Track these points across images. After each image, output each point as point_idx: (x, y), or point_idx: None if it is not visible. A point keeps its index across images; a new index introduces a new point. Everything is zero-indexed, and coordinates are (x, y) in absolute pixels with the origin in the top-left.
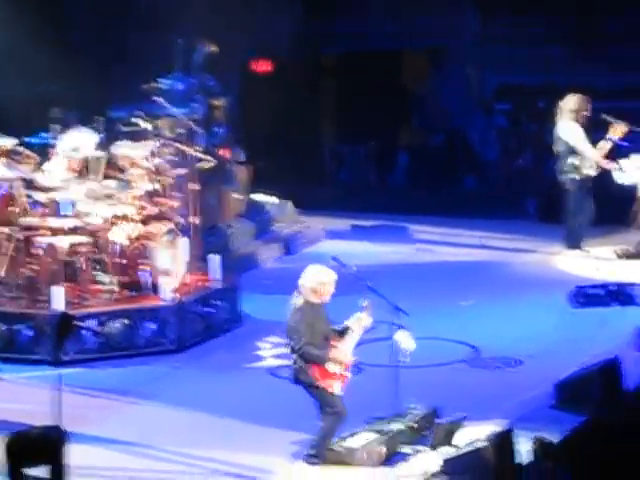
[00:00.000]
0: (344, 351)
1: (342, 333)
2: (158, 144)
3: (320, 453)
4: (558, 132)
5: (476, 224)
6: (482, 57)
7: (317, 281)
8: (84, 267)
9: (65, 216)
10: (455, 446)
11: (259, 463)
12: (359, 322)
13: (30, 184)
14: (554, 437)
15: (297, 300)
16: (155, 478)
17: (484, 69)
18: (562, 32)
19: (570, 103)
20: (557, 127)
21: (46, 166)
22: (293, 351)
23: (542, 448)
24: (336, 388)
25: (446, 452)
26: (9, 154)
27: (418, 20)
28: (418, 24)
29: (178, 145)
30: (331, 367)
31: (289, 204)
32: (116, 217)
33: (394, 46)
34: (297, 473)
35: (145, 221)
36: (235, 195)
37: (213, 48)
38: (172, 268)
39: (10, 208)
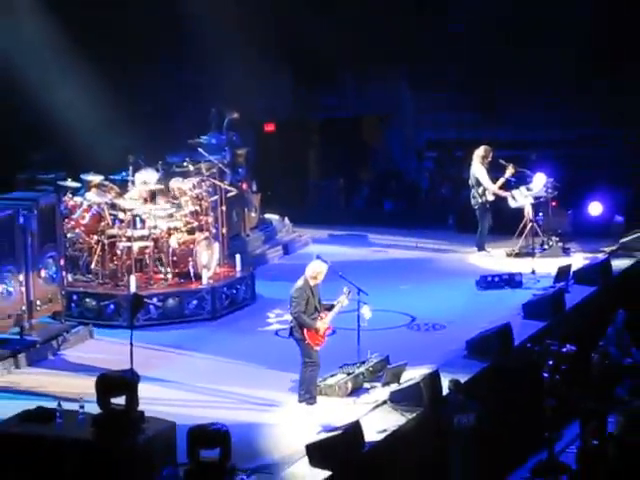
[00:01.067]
0: (326, 321)
1: (328, 308)
2: (199, 179)
3: (312, 394)
4: (471, 171)
5: (413, 233)
6: (416, 121)
7: (315, 270)
8: (149, 262)
9: (137, 228)
10: (399, 383)
11: (268, 396)
12: (340, 302)
13: (113, 206)
14: (466, 377)
15: (299, 281)
16: (196, 406)
17: (417, 129)
18: (470, 102)
19: (479, 151)
20: (471, 168)
21: (124, 194)
22: (291, 314)
23: (455, 385)
24: (316, 346)
25: (392, 387)
26: (99, 186)
27: (373, 96)
28: (373, 99)
29: (213, 180)
30: (315, 331)
31: (286, 220)
32: (171, 228)
33: (357, 113)
34: (295, 404)
35: (190, 231)
36: (251, 214)
37: (236, 115)
38: (208, 263)
39: (100, 223)
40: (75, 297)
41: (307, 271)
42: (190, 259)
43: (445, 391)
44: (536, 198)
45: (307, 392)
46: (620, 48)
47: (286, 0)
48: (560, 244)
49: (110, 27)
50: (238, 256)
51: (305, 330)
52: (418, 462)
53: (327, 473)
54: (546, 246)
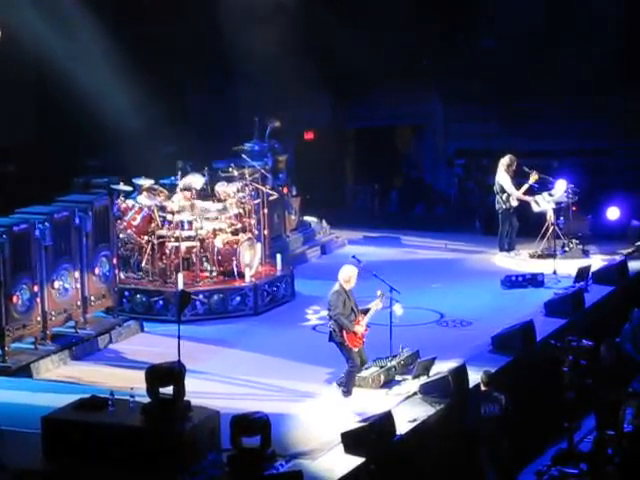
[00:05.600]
0: (363, 324)
1: (364, 312)
2: (243, 184)
3: (348, 388)
4: (496, 178)
5: (442, 235)
6: (445, 131)
7: (347, 275)
8: (195, 261)
9: (184, 229)
10: (429, 376)
11: (306, 388)
12: (375, 306)
13: (163, 209)
14: (491, 370)
15: (335, 286)
16: (238, 396)
17: (447, 139)
18: (497, 114)
19: (505, 160)
20: (496, 175)
21: (173, 197)
22: (330, 318)
23: (487, 376)
24: (355, 347)
25: (422, 379)
26: (149, 189)
27: (405, 108)
28: (405, 110)
29: (255, 185)
30: (354, 333)
31: (324, 222)
32: (216, 230)
33: (390, 124)
34: (332, 395)
35: (234, 232)
36: (291, 217)
37: (278, 123)
38: (251, 262)
39: (150, 224)
40: (127, 293)
41: (340, 276)
42: (234, 258)
43: (472, 383)
44: (557, 203)
45: (344, 386)
46: (636, 64)
47: (326, 23)
48: (580, 246)
49: (159, 42)
50: (279, 256)
51: (345, 332)
52: (446, 450)
53: (361, 460)
54: (567, 248)
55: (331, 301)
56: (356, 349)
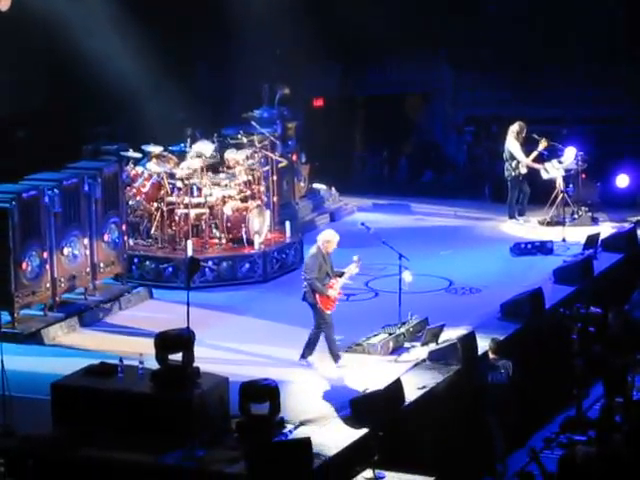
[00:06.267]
0: (337, 288)
1: (340, 275)
2: (252, 151)
3: (335, 352)
4: (505, 145)
5: (452, 203)
6: (455, 98)
7: (327, 238)
8: (205, 228)
9: (193, 196)
10: (438, 343)
11: (314, 354)
12: (349, 270)
13: (172, 176)
14: (500, 338)
15: (313, 248)
16: (247, 363)
17: (457, 105)
18: (506, 81)
19: (514, 127)
20: (506, 142)
21: (182, 164)
22: (305, 280)
23: (495, 343)
24: (328, 310)
25: (431, 347)
26: (159, 156)
27: (415, 75)
28: (415, 77)
29: (264, 152)
30: (327, 296)
31: (333, 189)
32: (225, 197)
33: (400, 91)
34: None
35: (243, 199)
36: (300, 184)
37: (287, 91)
38: (260, 229)
39: (159, 191)
40: (136, 260)
41: (320, 237)
42: (243, 225)
43: (481, 350)
44: (567, 170)
45: (305, 347)
46: None
47: None
48: (589, 214)
49: (173, 6)
50: (288, 223)
51: (317, 295)
52: (454, 417)
53: (369, 426)
54: (576, 216)
55: (307, 264)
56: (328, 312)
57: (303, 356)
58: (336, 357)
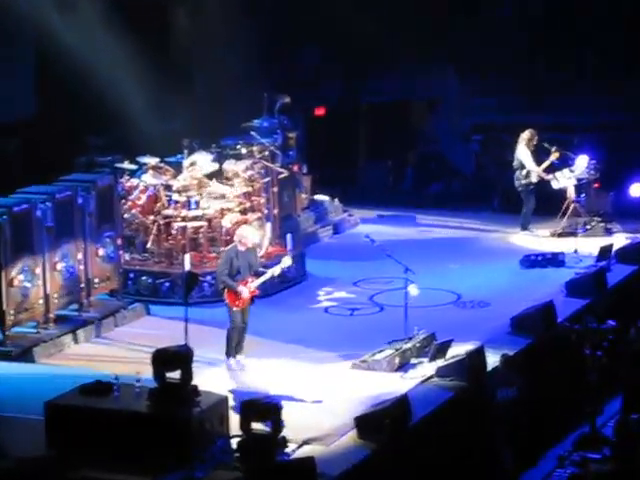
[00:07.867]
0: (251, 286)
1: (258, 274)
2: (252, 162)
3: (228, 349)
4: (515, 154)
5: (459, 214)
6: (462, 105)
7: (240, 234)
8: (203, 242)
9: (191, 209)
10: (445, 359)
11: (318, 371)
12: (272, 271)
13: (169, 188)
14: (510, 353)
15: (230, 245)
16: (247, 382)
17: (463, 113)
18: (515, 87)
19: (525, 135)
20: (516, 151)
21: (179, 176)
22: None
23: (506, 359)
24: (235, 307)
25: (439, 362)
26: (155, 168)
27: (420, 82)
28: (420, 84)
29: (265, 162)
30: (235, 293)
31: (336, 201)
32: (224, 209)
33: (405, 98)
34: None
35: (243, 212)
36: (302, 195)
37: (287, 99)
38: (260, 242)
39: (155, 203)
40: (132, 275)
41: (236, 232)
42: None
43: (490, 366)
44: (578, 180)
45: (226, 346)
46: None
47: None
48: (602, 224)
49: (163, 15)
50: (289, 235)
51: (225, 290)
52: (463, 435)
53: (375, 445)
54: (588, 226)
55: (220, 258)
56: (235, 309)
57: (227, 355)
58: (228, 354)
